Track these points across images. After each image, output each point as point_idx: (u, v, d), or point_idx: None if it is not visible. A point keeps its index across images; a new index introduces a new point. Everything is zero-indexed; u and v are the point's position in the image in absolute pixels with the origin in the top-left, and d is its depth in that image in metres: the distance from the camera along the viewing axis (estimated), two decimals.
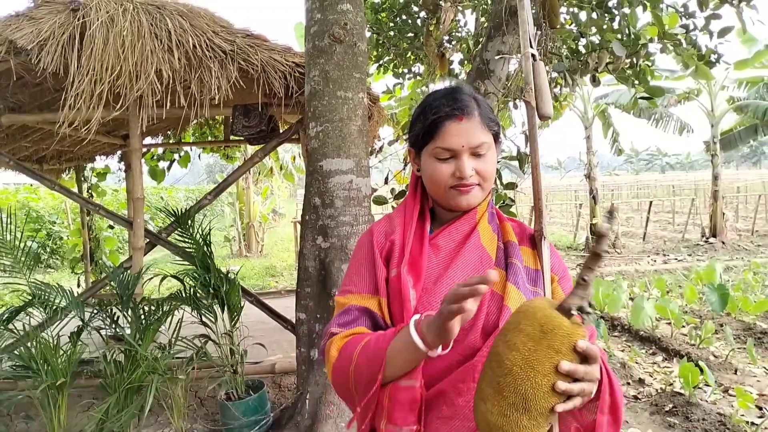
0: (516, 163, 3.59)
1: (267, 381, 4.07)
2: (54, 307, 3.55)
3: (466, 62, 5.35)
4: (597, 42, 4.02)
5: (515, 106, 4.44)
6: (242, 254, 14.10)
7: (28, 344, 3.56)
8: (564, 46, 4.14)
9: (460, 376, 1.10)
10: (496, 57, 3.37)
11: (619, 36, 3.82)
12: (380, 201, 3.93)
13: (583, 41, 4.25)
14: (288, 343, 3.92)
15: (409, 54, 5.57)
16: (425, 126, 1.21)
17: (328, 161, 3.24)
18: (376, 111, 4.00)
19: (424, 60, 5.47)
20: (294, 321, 3.65)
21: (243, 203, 14.06)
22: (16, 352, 3.44)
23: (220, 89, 3.46)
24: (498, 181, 3.41)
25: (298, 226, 11.95)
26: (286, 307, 4.54)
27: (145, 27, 3.39)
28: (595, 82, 4.07)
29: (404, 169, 5.39)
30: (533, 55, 1.18)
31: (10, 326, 3.67)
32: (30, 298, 3.61)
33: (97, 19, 3.33)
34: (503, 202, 3.41)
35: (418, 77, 5.87)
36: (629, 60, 3.90)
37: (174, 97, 3.49)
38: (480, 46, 3.69)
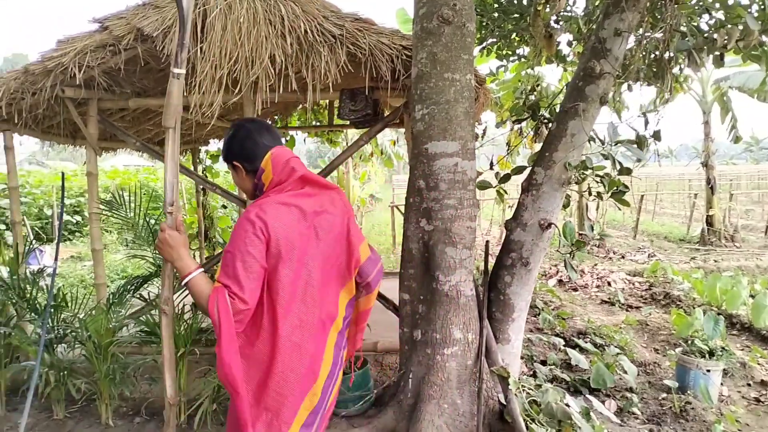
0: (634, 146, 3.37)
1: (369, 359, 4.16)
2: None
3: (575, 43, 5.12)
4: (723, 19, 3.70)
5: (629, 89, 4.20)
6: None
7: (152, 312, 3.85)
8: (686, 24, 3.85)
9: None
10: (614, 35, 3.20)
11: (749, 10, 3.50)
12: (484, 186, 3.86)
13: (705, 17, 3.93)
14: (389, 323, 3.97)
15: (514, 35, 5.41)
16: None
17: (434, 144, 3.22)
18: (482, 93, 3.92)
19: (529, 42, 5.30)
20: (396, 302, 3.69)
21: (342, 187, 14.36)
22: (142, 318, 3.74)
23: (329, 73, 3.54)
24: (613, 167, 3.24)
25: (395, 211, 12.12)
26: (387, 288, 4.59)
27: (260, 14, 3.51)
28: (720, 61, 3.76)
29: (508, 153, 5.29)
30: None
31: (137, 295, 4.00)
32: (153, 269, 3.90)
33: (216, 7, 3.50)
34: (617, 188, 3.24)
35: (523, 59, 5.70)
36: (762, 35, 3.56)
37: (286, 81, 3.61)
38: (596, 24, 3.52)
